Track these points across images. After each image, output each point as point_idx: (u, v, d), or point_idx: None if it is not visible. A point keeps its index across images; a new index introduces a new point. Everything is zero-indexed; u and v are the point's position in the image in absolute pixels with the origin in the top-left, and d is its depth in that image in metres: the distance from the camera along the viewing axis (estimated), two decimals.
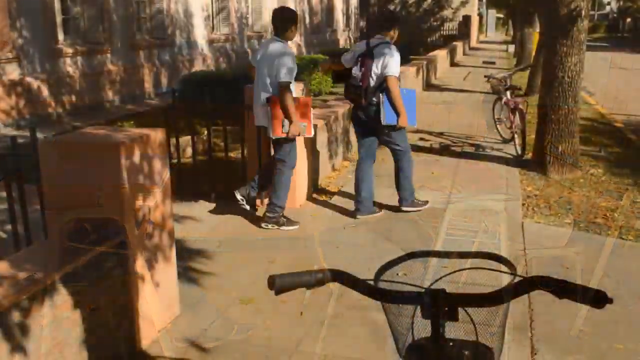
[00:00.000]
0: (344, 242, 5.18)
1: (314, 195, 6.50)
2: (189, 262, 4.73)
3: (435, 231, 5.42)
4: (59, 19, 11.49)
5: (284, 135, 5.21)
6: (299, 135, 5.32)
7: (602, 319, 3.83)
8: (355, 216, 5.77)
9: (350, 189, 6.71)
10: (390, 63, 5.47)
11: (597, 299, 1.40)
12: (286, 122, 5.16)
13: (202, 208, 6.01)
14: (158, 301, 3.66)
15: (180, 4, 15.46)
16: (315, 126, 5.96)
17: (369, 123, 5.72)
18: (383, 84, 5.52)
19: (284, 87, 5.12)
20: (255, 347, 3.52)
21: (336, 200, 6.40)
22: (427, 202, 6.05)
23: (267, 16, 20.70)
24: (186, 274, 4.49)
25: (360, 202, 5.78)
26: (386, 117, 5.52)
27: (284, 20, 5.34)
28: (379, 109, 5.54)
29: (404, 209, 5.94)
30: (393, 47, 5.63)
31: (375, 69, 5.51)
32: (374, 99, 5.57)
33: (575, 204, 6.27)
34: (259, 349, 3.50)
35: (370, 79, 5.54)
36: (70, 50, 11.66)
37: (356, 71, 5.64)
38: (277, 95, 5.14)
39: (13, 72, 10.35)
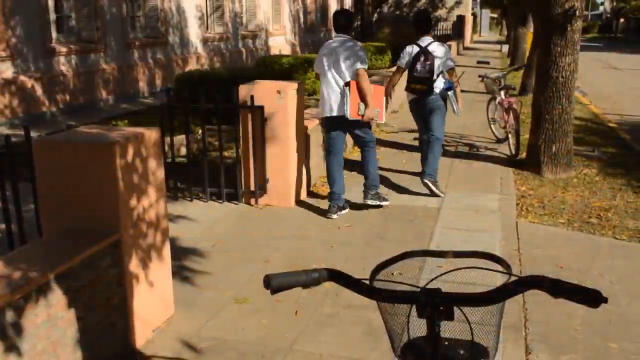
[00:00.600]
0: (338, 241, 5.18)
1: (309, 195, 6.50)
2: (184, 262, 4.72)
3: (430, 230, 5.43)
4: (52, 17, 11.45)
5: (359, 118, 5.62)
6: (372, 119, 5.72)
7: (596, 319, 3.85)
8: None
9: (347, 188, 6.72)
10: (450, 58, 6.60)
11: (593, 298, 1.40)
12: (362, 105, 5.58)
13: (196, 207, 6.00)
14: (152, 301, 3.65)
15: (174, 3, 15.44)
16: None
17: (428, 110, 6.55)
18: (440, 76, 6.48)
19: (363, 74, 5.60)
20: (250, 347, 3.52)
21: None
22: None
23: (261, 15, 20.69)
24: (181, 274, 4.49)
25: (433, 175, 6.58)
26: (455, 107, 6.58)
27: (349, 20, 5.95)
28: (441, 97, 6.51)
29: (425, 180, 6.52)
30: (443, 43, 6.74)
31: (437, 63, 6.41)
32: (436, 89, 6.45)
33: (569, 204, 6.29)
34: (254, 348, 3.50)
35: (434, 73, 6.39)
36: (64, 49, 11.62)
37: (421, 67, 6.43)
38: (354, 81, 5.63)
39: (6, 70, 10.31)
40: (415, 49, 6.51)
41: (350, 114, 5.56)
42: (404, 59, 6.59)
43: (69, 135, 3.49)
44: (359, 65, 5.59)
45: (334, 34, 6.03)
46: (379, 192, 6.01)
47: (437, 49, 6.45)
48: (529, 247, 5.07)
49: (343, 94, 5.61)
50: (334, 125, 5.81)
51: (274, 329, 3.72)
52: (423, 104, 6.53)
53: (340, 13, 6.02)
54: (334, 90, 5.69)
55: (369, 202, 5.96)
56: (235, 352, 3.47)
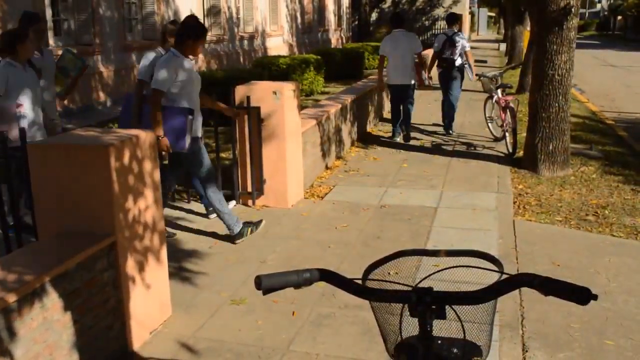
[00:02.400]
0: (335, 241, 5.18)
1: (306, 195, 6.50)
2: (181, 263, 4.73)
3: (427, 230, 5.43)
4: (49, 21, 11.44)
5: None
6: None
7: (593, 316, 3.86)
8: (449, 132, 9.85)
9: (343, 188, 6.74)
10: (466, 43, 9.62)
11: (583, 296, 1.40)
12: (424, 74, 9.33)
13: (193, 209, 6.00)
14: (149, 302, 3.66)
15: (170, 6, 15.43)
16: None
17: (452, 79, 9.55)
18: (461, 56, 9.57)
19: (423, 55, 9.34)
20: (247, 347, 3.52)
21: (329, 199, 6.40)
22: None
23: (258, 16, 20.69)
24: (178, 275, 4.49)
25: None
26: (470, 75, 9.79)
27: (403, 19, 9.26)
28: (460, 71, 9.59)
29: (452, 132, 9.81)
30: (462, 33, 9.84)
31: (459, 48, 9.44)
32: (457, 65, 9.50)
33: (566, 202, 6.30)
34: (251, 349, 3.50)
35: (457, 55, 9.44)
36: (60, 52, 11.60)
37: (447, 51, 9.41)
38: (417, 62, 8.99)
39: None
40: (443, 37, 9.52)
41: (423, 82, 9.25)
42: (436, 44, 9.58)
43: (65, 138, 3.50)
44: (420, 50, 9.01)
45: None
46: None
47: (458, 38, 9.44)
48: (526, 245, 5.07)
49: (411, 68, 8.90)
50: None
51: (270, 330, 3.72)
52: (448, 75, 9.51)
53: (398, 15, 9.31)
54: (397, 67, 8.88)
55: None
56: (232, 353, 3.47)
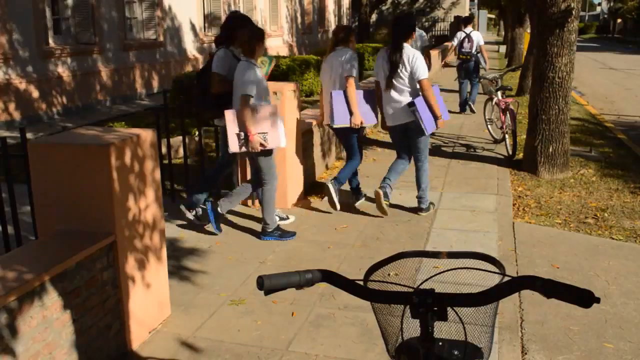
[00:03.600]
0: (335, 242, 5.18)
1: (307, 195, 6.50)
2: (181, 263, 4.72)
3: (426, 231, 5.43)
4: (49, 20, 11.45)
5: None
6: None
7: (592, 319, 3.86)
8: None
9: (343, 189, 6.73)
10: (482, 39, 11.86)
11: (585, 298, 1.40)
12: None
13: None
14: (149, 302, 3.65)
15: (170, 5, 15.43)
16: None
17: (471, 70, 11.85)
18: (477, 50, 11.78)
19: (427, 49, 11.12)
20: (246, 348, 3.52)
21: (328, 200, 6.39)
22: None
23: (258, 16, 20.68)
24: (177, 275, 4.49)
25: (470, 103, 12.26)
26: (484, 64, 12.03)
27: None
28: (476, 62, 11.87)
29: (467, 111, 12.20)
30: (477, 31, 12.12)
31: (475, 43, 11.67)
32: (474, 57, 11.74)
33: (566, 204, 6.30)
34: (250, 350, 3.50)
35: (473, 48, 11.68)
36: (60, 52, 11.61)
37: (466, 45, 11.68)
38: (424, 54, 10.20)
39: (3, 73, 10.30)
40: (462, 34, 11.81)
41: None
42: (455, 40, 11.93)
43: (64, 136, 3.49)
44: (427, 43, 11.20)
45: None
46: None
47: (474, 35, 11.75)
48: (526, 247, 5.08)
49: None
50: None
51: (269, 330, 3.72)
52: (466, 67, 11.83)
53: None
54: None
55: None
56: (231, 353, 3.47)
